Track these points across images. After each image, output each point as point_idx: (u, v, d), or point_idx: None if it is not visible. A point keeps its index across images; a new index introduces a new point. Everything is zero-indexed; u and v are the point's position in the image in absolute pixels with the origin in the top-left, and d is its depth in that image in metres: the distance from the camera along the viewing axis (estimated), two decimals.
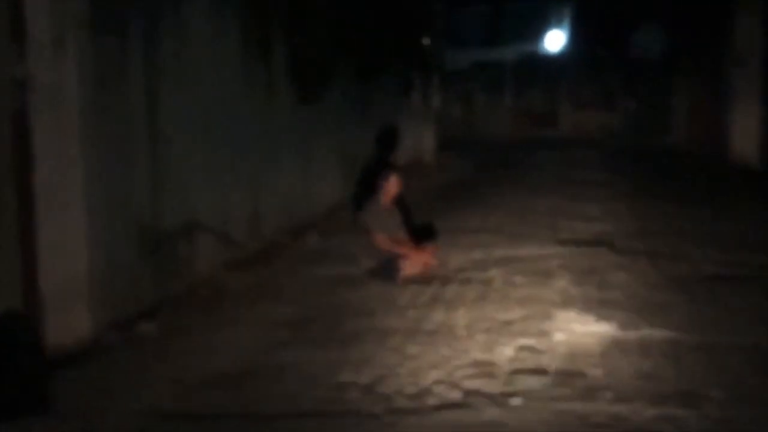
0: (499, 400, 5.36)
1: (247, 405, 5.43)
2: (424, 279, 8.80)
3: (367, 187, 10.25)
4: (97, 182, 6.65)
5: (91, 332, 6.54)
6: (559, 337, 6.70)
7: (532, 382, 5.66)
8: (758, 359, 6.10)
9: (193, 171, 8.47)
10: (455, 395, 5.47)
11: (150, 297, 7.51)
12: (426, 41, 21.22)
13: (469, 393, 5.50)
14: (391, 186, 9.29)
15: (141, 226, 7.42)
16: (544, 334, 6.78)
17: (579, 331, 6.85)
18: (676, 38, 26.31)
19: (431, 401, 5.38)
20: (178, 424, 5.23)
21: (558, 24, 41.02)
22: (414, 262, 8.98)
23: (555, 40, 40.69)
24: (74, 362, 6.16)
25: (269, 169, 10.66)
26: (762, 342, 6.50)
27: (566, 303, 7.73)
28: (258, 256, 9.85)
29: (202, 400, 5.55)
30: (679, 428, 4.88)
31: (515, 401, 5.33)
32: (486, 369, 5.96)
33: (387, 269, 8.88)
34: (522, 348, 6.42)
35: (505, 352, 6.33)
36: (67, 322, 6.38)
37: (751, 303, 7.67)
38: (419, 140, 21.45)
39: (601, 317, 7.18)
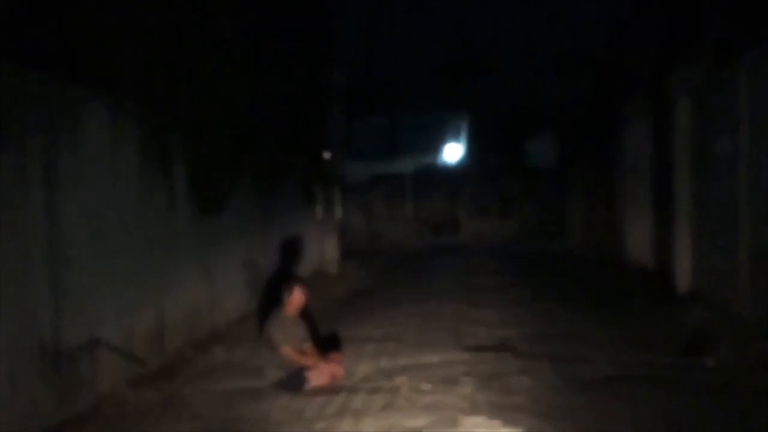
0: None
1: None
2: (332, 389, 8.78)
3: (271, 299, 10.25)
4: None
5: None
6: None
7: None
8: None
9: (95, 287, 8.37)
10: None
11: (52, 416, 7.34)
12: (326, 155, 21.59)
13: None
14: (295, 297, 9.32)
15: (42, 345, 7.29)
16: None
17: None
18: (569, 145, 27.27)
19: None
20: None
21: (455, 135, 42.12)
22: (321, 373, 8.96)
23: (453, 151, 41.71)
24: None
25: (172, 283, 10.58)
26: None
27: (473, 409, 7.80)
28: (162, 371, 9.69)
29: None
30: None
31: None
32: None
33: (293, 381, 8.85)
34: None
35: None
36: None
37: (649, 402, 7.85)
38: (322, 251, 21.58)
39: (508, 422, 7.26)
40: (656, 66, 17.14)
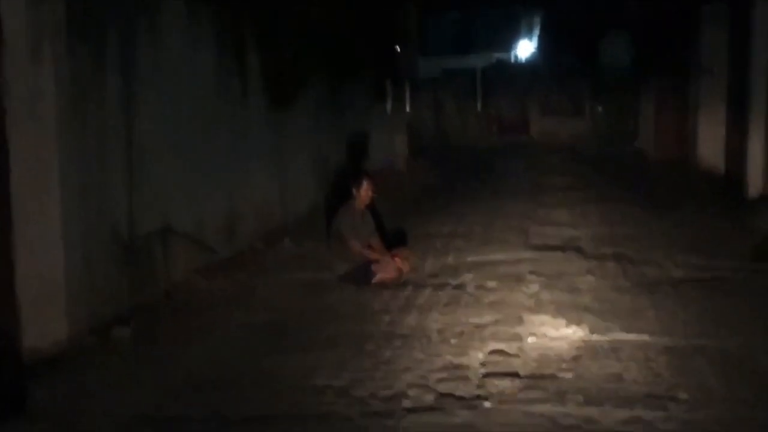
0: (471, 402, 5.44)
1: (222, 409, 5.45)
2: (398, 284, 8.89)
3: (339, 193, 10.33)
4: (73, 188, 6.69)
5: (67, 337, 6.57)
6: (530, 340, 6.79)
7: (504, 385, 5.75)
8: (723, 361, 6.22)
9: (169, 177, 8.51)
10: (428, 398, 5.54)
11: (126, 302, 7.56)
12: (398, 49, 21.36)
13: (442, 396, 5.58)
14: (364, 190, 9.37)
15: (117, 232, 7.46)
16: (515, 337, 6.87)
17: (550, 334, 6.95)
18: (643, 46, 26.57)
19: (405, 404, 5.45)
20: (155, 427, 5.27)
21: (528, 32, 41.36)
22: (387, 268, 9.06)
23: (525, 48, 40.99)
24: (51, 366, 6.19)
25: (243, 175, 10.70)
26: (727, 344, 6.62)
27: (537, 307, 7.84)
28: (232, 262, 9.88)
29: (177, 404, 5.58)
30: (647, 430, 4.99)
31: (487, 404, 5.42)
32: (459, 372, 6.05)
33: (360, 274, 8.96)
34: (494, 352, 6.51)
35: (478, 356, 6.41)
36: (44, 327, 6.41)
37: (716, 306, 7.80)
38: (391, 146, 21.55)
39: (572, 321, 7.29)
40: None
